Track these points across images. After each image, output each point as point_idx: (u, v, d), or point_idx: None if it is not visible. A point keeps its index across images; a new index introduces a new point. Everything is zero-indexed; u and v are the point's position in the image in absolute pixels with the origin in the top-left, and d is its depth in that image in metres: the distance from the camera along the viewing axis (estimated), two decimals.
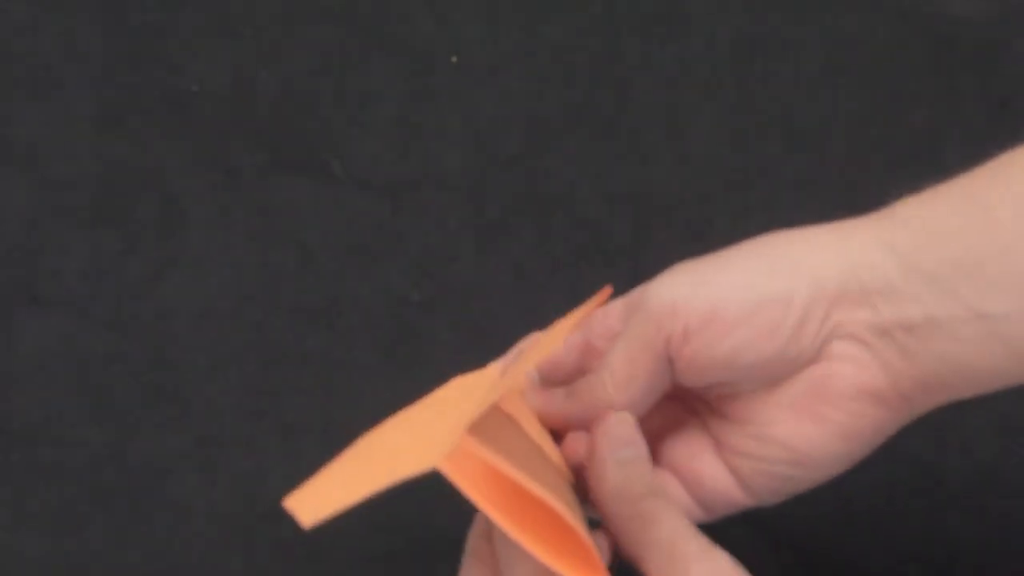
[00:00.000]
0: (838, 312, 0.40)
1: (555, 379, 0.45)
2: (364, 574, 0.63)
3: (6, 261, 0.68)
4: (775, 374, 0.41)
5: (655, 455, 0.43)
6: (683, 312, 0.40)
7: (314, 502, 0.30)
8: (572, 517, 0.33)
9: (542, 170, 0.70)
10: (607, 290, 0.36)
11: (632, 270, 0.68)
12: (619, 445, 0.40)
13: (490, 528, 0.39)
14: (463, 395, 0.42)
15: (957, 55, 0.71)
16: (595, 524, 0.39)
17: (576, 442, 0.42)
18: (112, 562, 0.63)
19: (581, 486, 0.41)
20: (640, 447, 0.40)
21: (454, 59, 0.72)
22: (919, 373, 0.39)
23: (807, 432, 0.41)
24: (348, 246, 0.68)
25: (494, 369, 0.45)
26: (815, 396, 0.40)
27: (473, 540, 0.40)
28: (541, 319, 0.50)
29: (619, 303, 0.44)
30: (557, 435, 0.43)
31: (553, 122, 0.71)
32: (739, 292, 0.40)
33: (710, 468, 0.43)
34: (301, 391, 0.66)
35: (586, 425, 0.42)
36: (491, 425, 0.35)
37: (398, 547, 0.63)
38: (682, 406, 0.45)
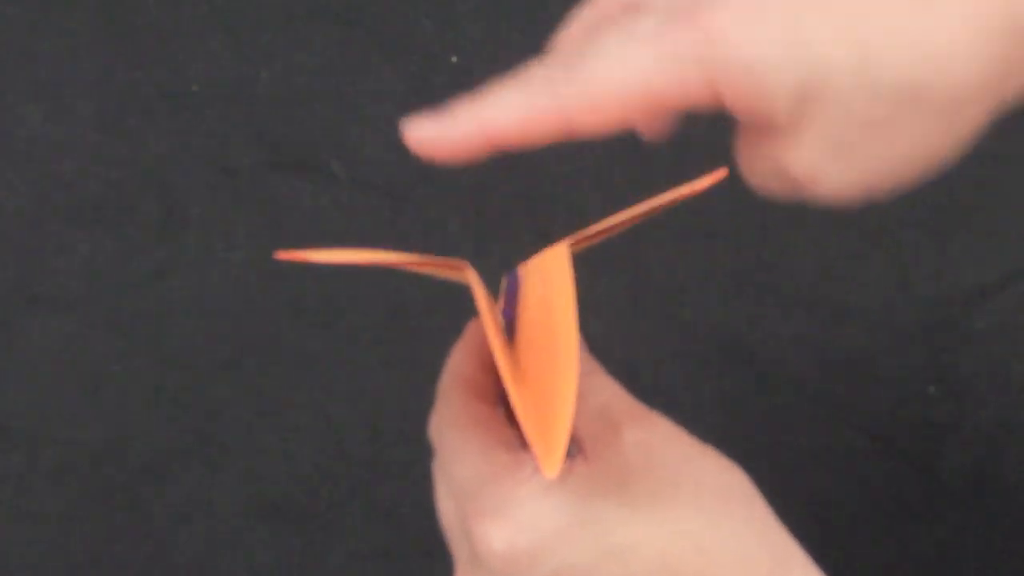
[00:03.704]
0: None
1: None
2: (363, 573, 0.63)
3: (6, 261, 0.68)
4: None
5: None
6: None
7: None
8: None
9: (542, 170, 0.70)
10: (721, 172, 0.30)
11: (633, 271, 0.68)
12: None
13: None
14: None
15: None
16: None
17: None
18: (112, 562, 0.63)
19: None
20: None
21: (454, 59, 0.72)
22: None
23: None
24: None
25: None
26: None
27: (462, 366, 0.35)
28: None
29: None
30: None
31: None
32: None
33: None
34: (301, 391, 0.66)
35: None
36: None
37: (396, 545, 0.63)
38: None
